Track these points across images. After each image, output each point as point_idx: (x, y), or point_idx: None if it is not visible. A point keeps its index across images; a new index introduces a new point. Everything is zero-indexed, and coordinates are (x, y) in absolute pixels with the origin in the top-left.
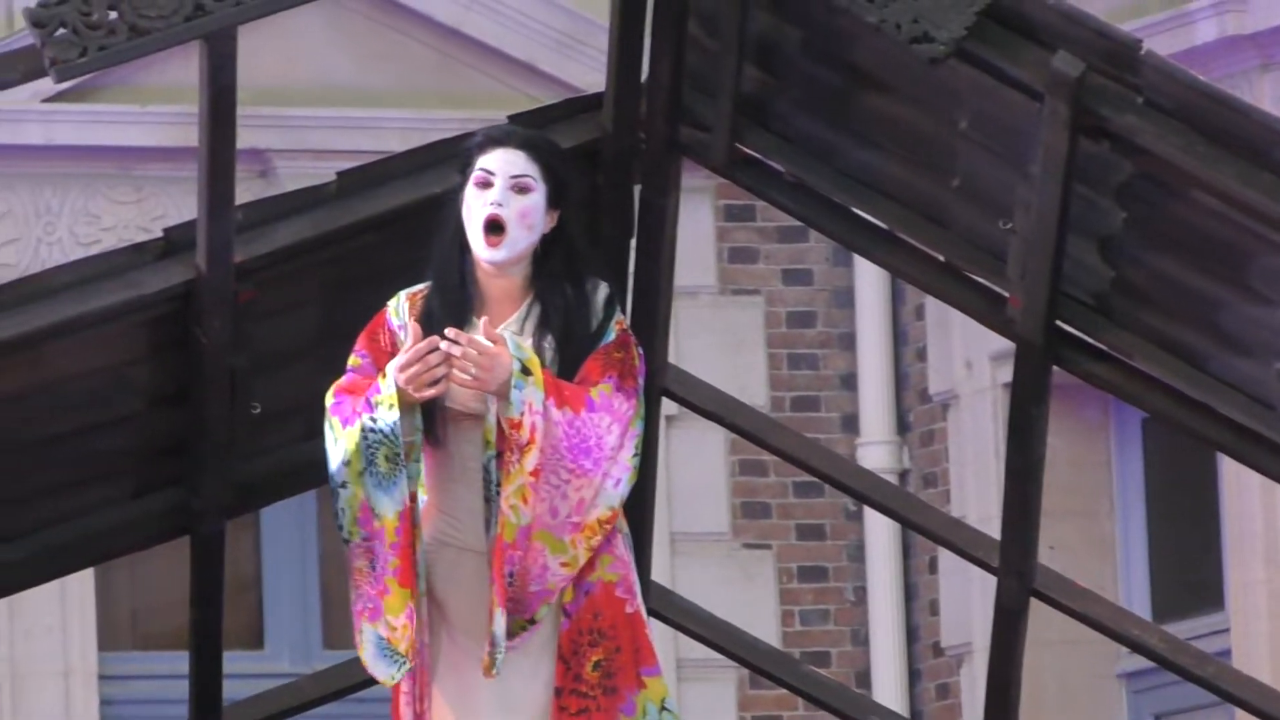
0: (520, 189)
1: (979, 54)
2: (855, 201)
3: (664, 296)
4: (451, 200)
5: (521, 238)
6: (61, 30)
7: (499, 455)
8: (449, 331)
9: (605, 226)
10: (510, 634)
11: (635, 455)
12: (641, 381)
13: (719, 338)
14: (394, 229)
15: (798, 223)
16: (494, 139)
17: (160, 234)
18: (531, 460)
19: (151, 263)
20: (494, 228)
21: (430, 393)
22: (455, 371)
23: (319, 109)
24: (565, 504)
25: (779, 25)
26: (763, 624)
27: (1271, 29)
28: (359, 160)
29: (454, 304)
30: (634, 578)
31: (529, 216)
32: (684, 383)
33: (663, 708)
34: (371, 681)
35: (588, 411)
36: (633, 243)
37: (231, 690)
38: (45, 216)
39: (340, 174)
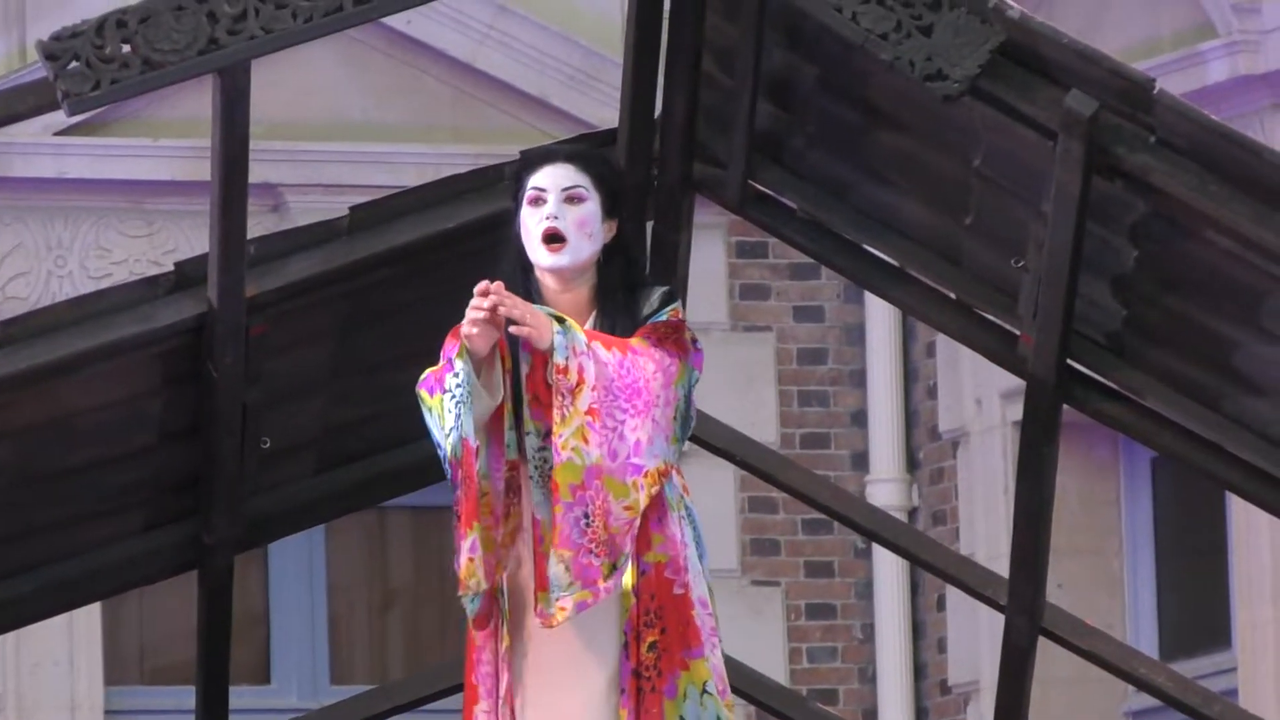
0: (574, 199)
1: (993, 92)
2: (868, 238)
3: None
4: (507, 227)
5: (584, 246)
6: (74, 63)
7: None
8: (481, 285)
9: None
10: (605, 576)
11: (679, 420)
12: (692, 358)
13: (730, 374)
14: (407, 264)
15: (809, 259)
16: (542, 156)
17: (172, 268)
18: (584, 399)
19: (163, 297)
20: (553, 239)
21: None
22: (502, 311)
23: (332, 144)
24: (624, 445)
25: (794, 62)
26: (771, 661)
27: None
28: (372, 195)
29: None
30: (684, 558)
31: (587, 225)
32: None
33: (704, 691)
34: (378, 717)
35: (632, 354)
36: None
37: None
38: (56, 250)
39: (353, 209)
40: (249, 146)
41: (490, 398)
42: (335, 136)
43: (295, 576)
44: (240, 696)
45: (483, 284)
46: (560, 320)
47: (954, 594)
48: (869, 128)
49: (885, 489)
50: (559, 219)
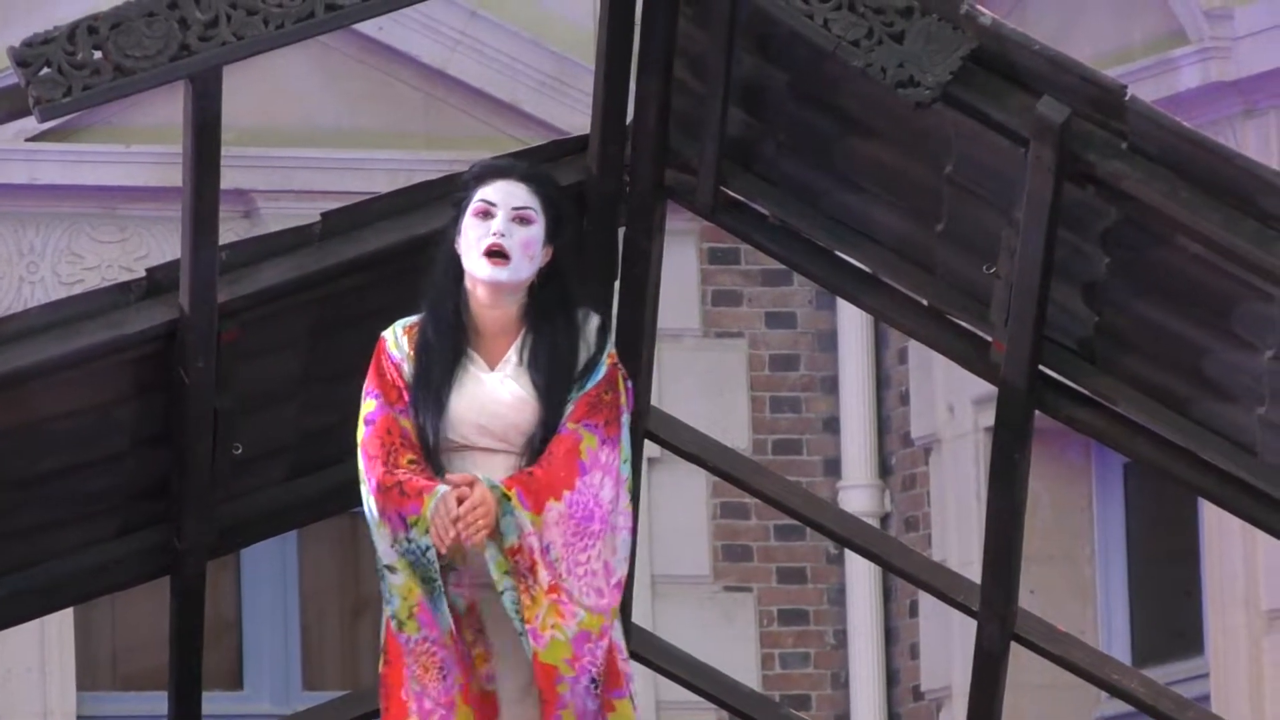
0: (522, 220)
1: (964, 99)
2: (840, 245)
3: (647, 339)
4: (444, 234)
5: (524, 267)
6: (46, 69)
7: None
8: (449, 500)
9: (590, 269)
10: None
11: (629, 499)
12: (626, 419)
13: (702, 380)
14: (379, 270)
15: (781, 266)
16: (495, 170)
17: (144, 274)
18: (544, 576)
19: (135, 303)
20: (496, 254)
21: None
22: (466, 531)
23: (304, 149)
24: (599, 578)
25: (765, 69)
26: (743, 667)
27: (1255, 76)
28: (344, 201)
29: (449, 336)
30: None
31: (530, 247)
32: (666, 425)
33: None
34: None
35: (580, 478)
36: (617, 285)
37: None
38: (28, 256)
39: (325, 215)
40: (221, 152)
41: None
42: (307, 142)
43: (268, 582)
44: (213, 702)
45: (454, 511)
46: (505, 496)
47: (926, 600)
48: (840, 134)
49: (857, 495)
50: (505, 236)
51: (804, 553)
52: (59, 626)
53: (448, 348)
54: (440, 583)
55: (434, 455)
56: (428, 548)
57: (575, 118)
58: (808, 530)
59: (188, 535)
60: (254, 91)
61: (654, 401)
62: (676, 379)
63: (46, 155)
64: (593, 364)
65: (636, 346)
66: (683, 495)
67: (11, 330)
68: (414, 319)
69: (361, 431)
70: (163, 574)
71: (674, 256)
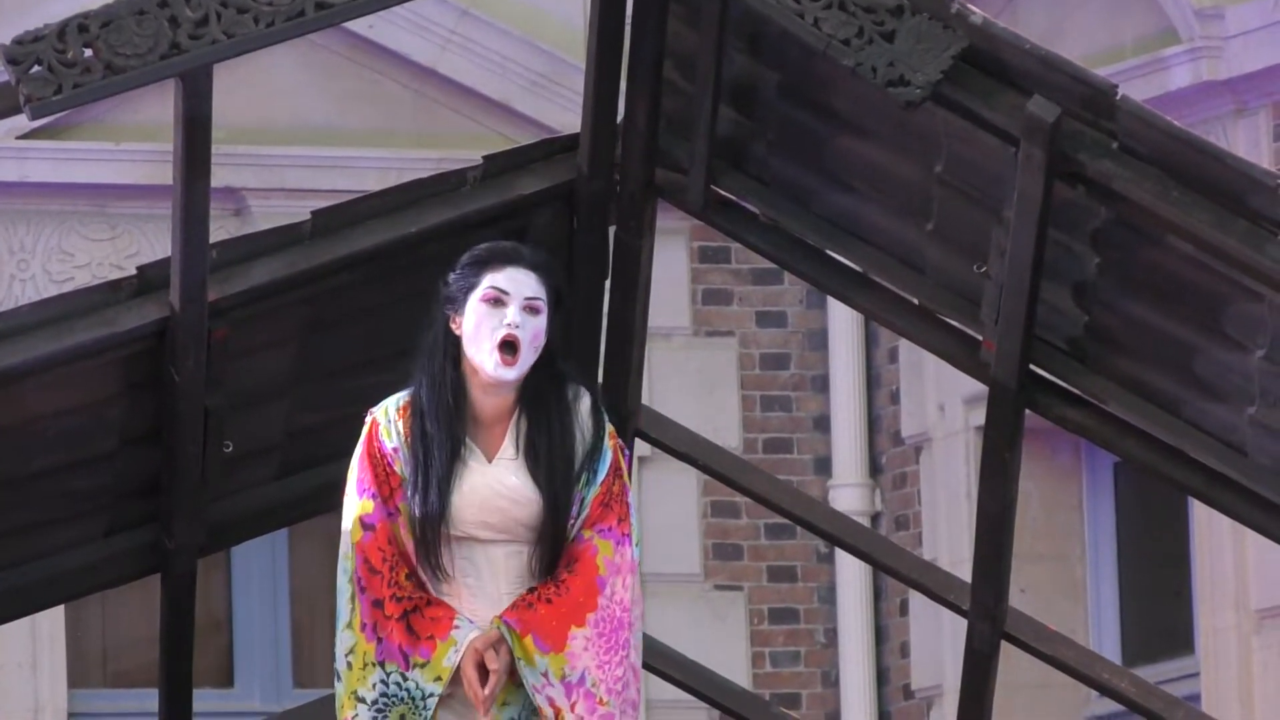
0: (532, 310)
1: (955, 98)
2: (830, 244)
3: (638, 338)
4: (434, 311)
5: (529, 359)
6: (37, 67)
7: None
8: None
9: (580, 268)
10: None
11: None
12: (632, 495)
13: (692, 379)
14: (369, 269)
15: (772, 265)
16: (504, 256)
17: (134, 272)
18: (582, 708)
19: (125, 301)
20: (509, 348)
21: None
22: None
23: (294, 148)
24: (629, 684)
25: (755, 68)
26: (733, 665)
27: (1246, 75)
28: (334, 199)
29: (447, 426)
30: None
31: (537, 339)
32: (657, 424)
33: None
34: None
35: (601, 596)
36: (607, 284)
37: None
38: (19, 253)
39: (315, 213)
40: (211, 151)
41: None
42: (297, 141)
43: (258, 580)
44: (203, 699)
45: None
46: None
47: (916, 599)
48: (831, 134)
49: (848, 494)
50: (520, 328)
51: (794, 551)
52: (50, 623)
53: (446, 439)
54: None
55: (432, 549)
56: (431, 694)
57: (566, 116)
58: (798, 529)
59: (178, 533)
60: (245, 90)
61: (645, 400)
62: (667, 378)
63: (37, 153)
64: (597, 451)
65: (627, 346)
66: (673, 494)
67: (1, 328)
68: (403, 398)
69: (358, 534)
70: (153, 572)
71: (664, 255)
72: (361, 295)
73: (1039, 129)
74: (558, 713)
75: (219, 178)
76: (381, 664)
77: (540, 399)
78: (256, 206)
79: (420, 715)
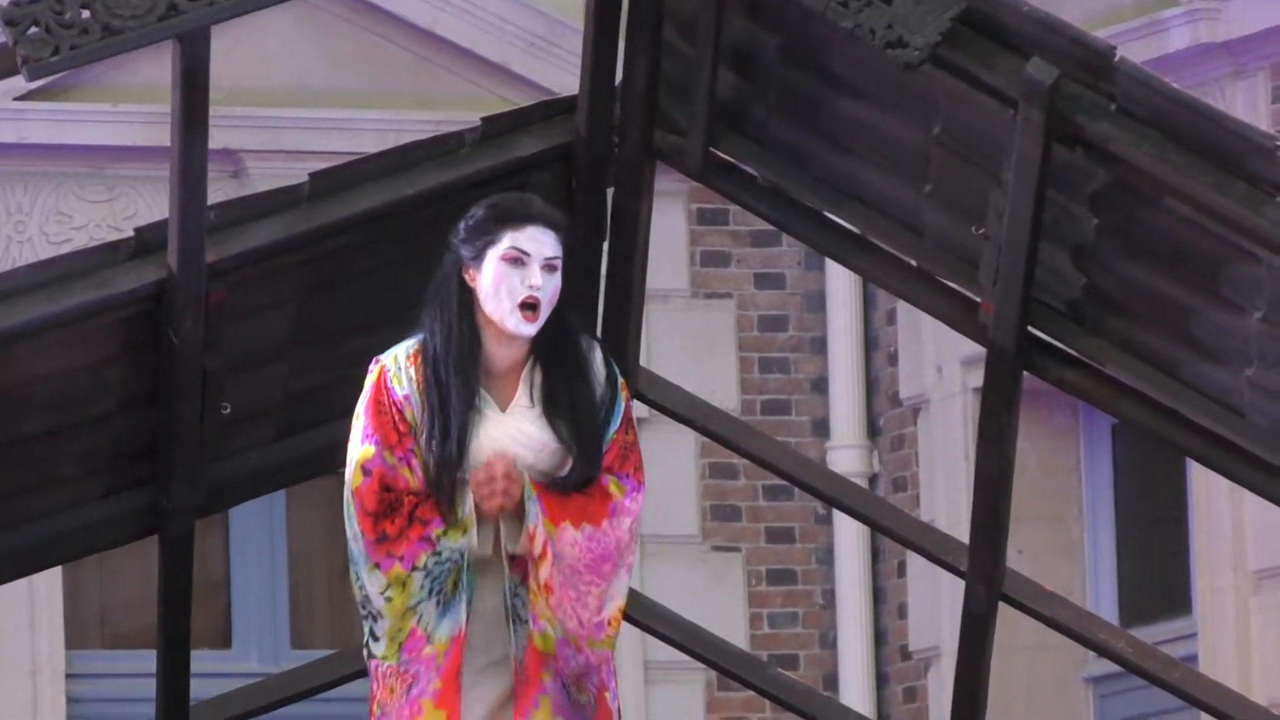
0: (551, 269)
1: (953, 60)
2: (829, 206)
3: (636, 300)
4: (446, 259)
5: (546, 316)
6: (34, 29)
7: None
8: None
9: (578, 230)
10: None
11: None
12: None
13: (690, 341)
14: (367, 231)
15: (770, 227)
16: (525, 215)
17: (132, 233)
18: (544, 572)
19: (123, 262)
20: (530, 309)
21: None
22: (490, 496)
23: (292, 110)
24: (587, 610)
25: (755, 31)
26: (731, 626)
27: (1244, 37)
28: (332, 161)
29: (464, 371)
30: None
31: (554, 297)
32: (655, 386)
33: None
34: (338, 681)
35: (609, 520)
36: (605, 246)
37: (199, 689)
38: (16, 215)
39: (313, 175)
40: (209, 112)
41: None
42: (295, 103)
43: (256, 541)
44: (201, 661)
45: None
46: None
47: (914, 560)
48: (830, 96)
49: (846, 455)
50: (541, 290)
51: (792, 513)
52: (48, 585)
53: (463, 387)
54: (466, 581)
55: (445, 494)
56: (463, 549)
57: (564, 78)
58: (796, 490)
59: (175, 495)
60: (242, 51)
61: (642, 362)
62: (665, 340)
63: (34, 115)
64: (611, 401)
65: (625, 307)
66: (671, 455)
67: None
68: (413, 345)
69: (357, 480)
70: (151, 533)
71: (663, 217)
72: (360, 257)
73: (1037, 91)
74: (540, 556)
75: (216, 139)
76: (415, 568)
77: (555, 350)
78: (254, 168)
79: (468, 575)
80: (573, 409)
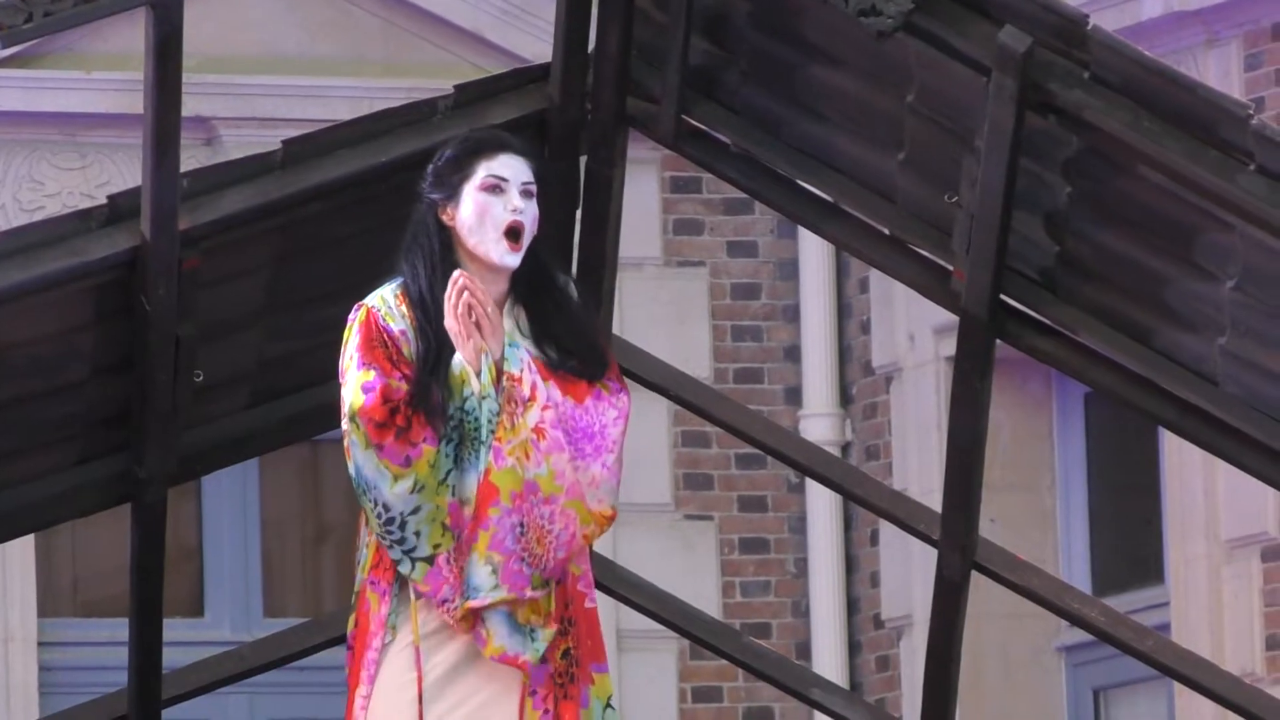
0: (528, 194)
1: (927, 28)
2: (801, 174)
3: (609, 268)
4: (419, 202)
5: (528, 244)
6: None
7: (499, 411)
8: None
9: (551, 198)
10: (534, 586)
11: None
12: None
13: (663, 309)
14: (341, 198)
15: (743, 195)
16: (498, 144)
17: (105, 201)
18: (533, 416)
19: (96, 230)
20: (514, 234)
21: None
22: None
23: (265, 77)
24: (583, 479)
25: None
26: (704, 595)
27: (1216, 6)
28: (305, 129)
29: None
30: (592, 575)
31: (535, 224)
32: (627, 354)
33: (608, 705)
34: (311, 650)
35: (592, 400)
36: (578, 214)
37: (172, 658)
38: None
39: (286, 142)
40: (182, 80)
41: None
42: (268, 70)
43: (229, 510)
44: (173, 629)
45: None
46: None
47: (887, 529)
48: (802, 63)
49: (818, 424)
50: (523, 214)
51: (765, 481)
52: (20, 553)
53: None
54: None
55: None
56: (470, 395)
57: (537, 46)
58: (769, 459)
59: (148, 463)
60: (215, 19)
61: (615, 330)
62: (637, 308)
63: (7, 81)
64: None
65: (598, 275)
66: (644, 424)
67: None
68: (395, 287)
69: (358, 400)
70: (123, 501)
71: (635, 185)
72: (333, 224)
73: (1010, 59)
74: (528, 400)
75: (189, 107)
76: (441, 440)
77: (535, 281)
78: (227, 136)
79: (484, 425)
80: (567, 322)
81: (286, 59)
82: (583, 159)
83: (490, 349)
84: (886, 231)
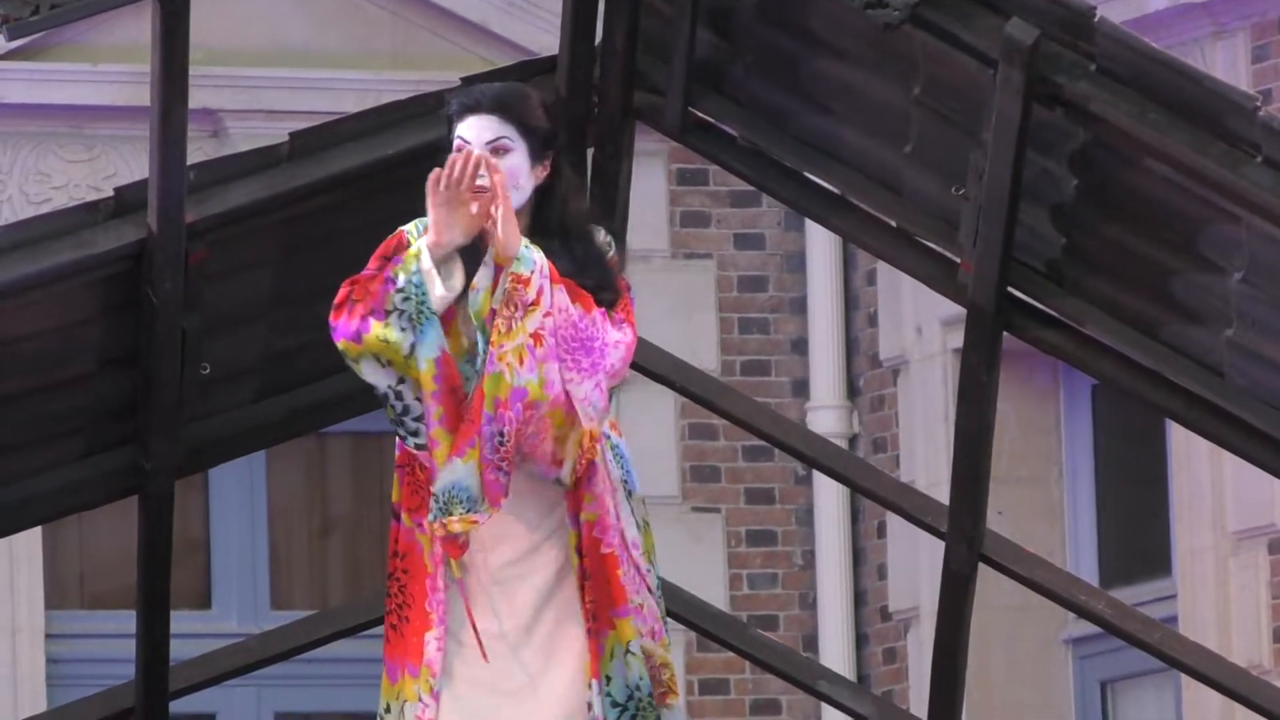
0: (499, 150)
1: (933, 20)
2: (808, 167)
3: None
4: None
5: (511, 198)
6: None
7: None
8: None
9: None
10: (508, 493)
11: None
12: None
13: (670, 302)
14: (347, 190)
15: (750, 187)
16: (467, 106)
17: (111, 193)
18: (534, 320)
19: (103, 222)
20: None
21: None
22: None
23: (272, 69)
24: (575, 393)
25: None
26: (711, 587)
27: None
28: (312, 121)
29: (467, 259)
30: (611, 518)
31: (514, 176)
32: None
33: (628, 651)
34: (318, 642)
35: (600, 315)
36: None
37: (179, 650)
38: None
39: (293, 135)
40: (189, 72)
41: (448, 292)
42: (275, 62)
43: (236, 502)
44: (180, 621)
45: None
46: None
47: (894, 521)
48: (809, 56)
49: (825, 416)
50: (483, 176)
51: (772, 474)
52: (27, 545)
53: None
54: (432, 309)
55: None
56: (418, 284)
57: (544, 38)
58: (776, 451)
59: (155, 455)
60: (222, 11)
61: None
62: (644, 300)
63: (14, 74)
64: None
65: None
66: (651, 416)
67: None
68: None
69: (341, 295)
70: (130, 494)
71: (642, 178)
72: (340, 217)
73: (1017, 51)
74: (532, 304)
75: (196, 99)
76: (387, 311)
77: (549, 235)
78: (234, 128)
79: (424, 309)
80: (586, 253)
81: (293, 51)
82: (590, 151)
83: (504, 239)
84: (893, 224)
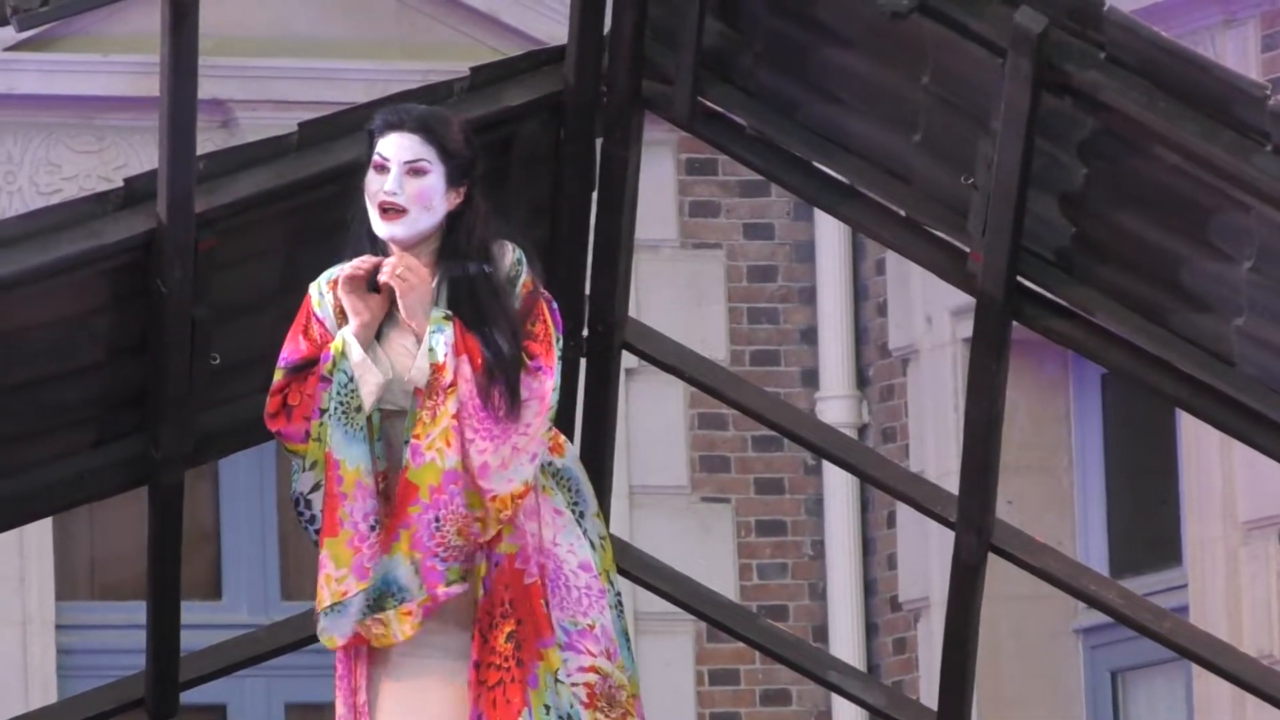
0: (416, 172)
1: (942, 9)
2: (817, 156)
3: (625, 250)
4: (359, 184)
5: (422, 218)
6: None
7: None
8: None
9: (567, 180)
10: (448, 582)
11: (549, 430)
12: (559, 349)
13: (679, 291)
14: (355, 180)
15: (759, 177)
16: (388, 123)
17: (121, 183)
18: (454, 404)
19: (112, 212)
20: (390, 210)
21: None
22: (386, 275)
23: (281, 59)
24: (492, 458)
25: None
26: (721, 578)
27: None
28: (321, 111)
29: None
30: (532, 549)
31: (425, 198)
32: (644, 336)
33: (556, 679)
34: None
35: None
36: (594, 196)
37: (189, 640)
38: (6, 165)
39: (302, 125)
40: (198, 62)
41: (383, 376)
42: (284, 52)
43: (246, 492)
44: (191, 612)
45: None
46: (447, 318)
47: (904, 511)
48: (817, 45)
49: (835, 406)
50: (397, 194)
51: (782, 464)
52: (38, 536)
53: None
54: (363, 417)
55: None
56: (350, 377)
57: (552, 28)
58: (785, 441)
59: (165, 445)
60: (231, 1)
61: (631, 312)
62: (654, 290)
63: (24, 65)
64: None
65: (613, 257)
66: (660, 406)
67: None
68: (334, 271)
69: (277, 376)
70: (140, 484)
71: (651, 167)
72: (348, 206)
73: (1026, 39)
74: (450, 386)
75: (205, 89)
76: (323, 410)
77: (459, 259)
78: (243, 118)
79: (351, 403)
80: (472, 307)
81: (302, 41)
82: (598, 141)
83: (414, 322)
84: (902, 213)
